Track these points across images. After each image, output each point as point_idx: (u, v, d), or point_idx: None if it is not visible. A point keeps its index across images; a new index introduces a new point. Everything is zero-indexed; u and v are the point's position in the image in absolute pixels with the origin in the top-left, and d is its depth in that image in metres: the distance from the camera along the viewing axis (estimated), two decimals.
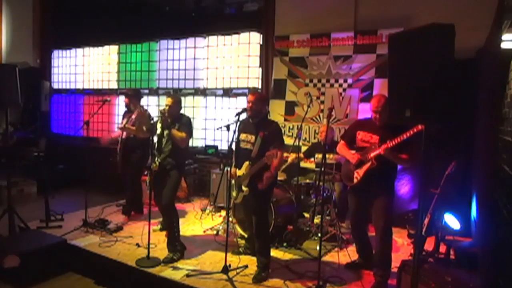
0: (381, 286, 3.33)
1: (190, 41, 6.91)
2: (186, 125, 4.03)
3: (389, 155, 3.20)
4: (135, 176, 5.17)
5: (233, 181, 3.76)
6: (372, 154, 3.29)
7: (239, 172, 3.65)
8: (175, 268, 3.72)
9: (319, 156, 4.72)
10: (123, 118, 5.13)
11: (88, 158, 5.25)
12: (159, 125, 4.02)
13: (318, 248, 3.47)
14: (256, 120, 3.63)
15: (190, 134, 4.06)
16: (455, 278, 2.73)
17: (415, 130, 2.97)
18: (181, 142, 3.96)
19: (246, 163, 3.59)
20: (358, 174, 3.42)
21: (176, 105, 4.08)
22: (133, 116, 4.71)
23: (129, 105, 5.05)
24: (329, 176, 4.49)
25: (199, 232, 4.83)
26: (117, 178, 5.21)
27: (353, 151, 3.52)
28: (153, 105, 7.31)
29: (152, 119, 4.51)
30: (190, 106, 6.91)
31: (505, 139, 2.80)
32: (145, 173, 5.04)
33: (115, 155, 4.96)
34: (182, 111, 4.18)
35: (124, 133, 4.90)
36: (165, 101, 4.14)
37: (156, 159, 3.97)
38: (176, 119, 4.03)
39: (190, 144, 4.36)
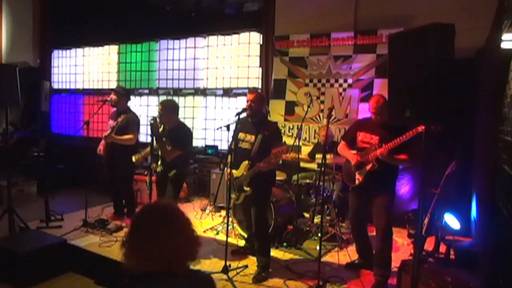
0: (381, 286, 3.33)
1: (190, 41, 6.90)
2: (180, 140, 3.93)
3: (387, 158, 3.20)
4: (127, 182, 4.90)
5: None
6: (372, 156, 3.29)
7: (237, 173, 3.63)
8: None
9: (318, 156, 4.72)
10: (110, 120, 4.85)
11: (88, 158, 5.21)
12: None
13: (318, 248, 3.47)
14: (256, 119, 3.62)
15: (181, 149, 3.95)
16: (455, 278, 2.73)
17: (416, 131, 2.96)
18: (166, 155, 3.90)
19: (245, 163, 3.57)
20: (359, 176, 3.42)
21: (167, 112, 3.93)
22: (119, 119, 4.58)
23: (117, 103, 4.72)
24: (329, 176, 4.49)
25: (199, 232, 4.83)
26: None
27: (354, 151, 3.52)
28: (153, 105, 7.30)
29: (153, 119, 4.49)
30: (190, 106, 6.91)
31: (505, 139, 2.79)
32: (145, 173, 5.01)
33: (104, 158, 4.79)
34: (182, 111, 4.13)
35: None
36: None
37: (158, 161, 3.95)
38: (174, 129, 3.96)
39: None
